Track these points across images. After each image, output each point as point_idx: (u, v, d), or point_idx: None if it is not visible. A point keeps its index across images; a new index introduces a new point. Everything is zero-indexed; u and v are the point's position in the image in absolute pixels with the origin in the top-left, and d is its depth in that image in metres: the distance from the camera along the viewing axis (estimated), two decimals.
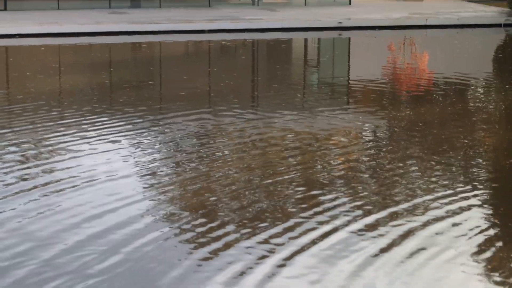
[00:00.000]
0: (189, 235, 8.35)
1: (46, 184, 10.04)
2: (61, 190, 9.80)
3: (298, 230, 8.53)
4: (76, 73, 19.10)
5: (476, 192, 9.95)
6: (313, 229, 8.53)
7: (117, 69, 20.03)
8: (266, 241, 8.17)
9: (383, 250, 7.97)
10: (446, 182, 10.35)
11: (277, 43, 24.54)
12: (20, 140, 12.28)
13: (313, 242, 8.13)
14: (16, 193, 9.65)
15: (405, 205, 9.38)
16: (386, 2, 32.73)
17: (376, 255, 7.82)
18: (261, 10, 29.21)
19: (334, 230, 8.49)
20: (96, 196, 9.57)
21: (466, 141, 12.61)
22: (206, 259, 7.76)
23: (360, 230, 8.56)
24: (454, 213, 9.12)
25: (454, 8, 30.64)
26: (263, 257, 7.76)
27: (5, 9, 28.60)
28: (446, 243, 8.15)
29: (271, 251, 7.92)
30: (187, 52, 24.06)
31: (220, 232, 8.47)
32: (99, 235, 8.29)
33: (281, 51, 23.89)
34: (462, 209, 9.26)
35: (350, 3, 31.33)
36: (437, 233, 8.45)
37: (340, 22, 26.60)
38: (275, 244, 8.07)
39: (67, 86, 17.38)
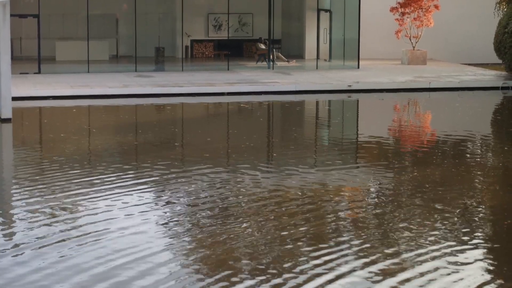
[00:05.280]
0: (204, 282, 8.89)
1: (79, 235, 10.45)
2: (94, 240, 10.23)
3: (307, 275, 9.01)
4: (106, 134, 19.33)
5: (476, 249, 10.17)
6: (319, 275, 9.05)
7: (143, 130, 20.19)
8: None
9: None
10: (447, 236, 10.64)
11: (291, 105, 24.67)
12: (54, 196, 12.58)
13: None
14: (44, 246, 10.06)
15: (407, 255, 9.74)
16: (391, 66, 32.85)
17: None
18: (276, 74, 29.35)
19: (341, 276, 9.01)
20: (123, 245, 10.15)
21: (467, 200, 12.75)
22: None
23: (364, 277, 9.00)
24: (453, 265, 9.46)
25: (455, 71, 30.73)
26: None
27: (39, 72, 28.88)
28: None
29: None
30: (208, 113, 24.24)
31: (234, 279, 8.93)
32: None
33: (296, 113, 24.04)
34: (461, 263, 9.58)
35: (358, 67, 31.43)
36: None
37: (349, 85, 26.73)
38: None
39: (98, 147, 17.56)
